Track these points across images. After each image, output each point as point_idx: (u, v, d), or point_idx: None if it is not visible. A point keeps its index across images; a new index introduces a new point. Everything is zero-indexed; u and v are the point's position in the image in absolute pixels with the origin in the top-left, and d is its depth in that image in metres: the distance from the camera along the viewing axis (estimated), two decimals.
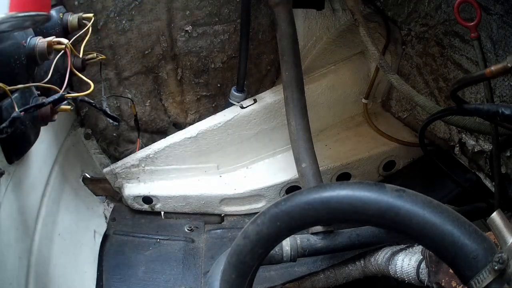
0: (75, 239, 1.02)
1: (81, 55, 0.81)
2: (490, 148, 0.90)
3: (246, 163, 1.26)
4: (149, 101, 1.30)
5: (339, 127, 1.34)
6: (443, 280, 0.64)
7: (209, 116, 1.20)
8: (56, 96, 0.76)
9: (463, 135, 0.98)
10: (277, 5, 0.96)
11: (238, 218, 1.24)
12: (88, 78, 0.84)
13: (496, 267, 0.40)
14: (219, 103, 1.36)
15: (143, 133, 1.34)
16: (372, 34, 1.00)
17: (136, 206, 1.20)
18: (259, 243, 0.56)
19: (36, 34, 0.79)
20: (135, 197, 1.18)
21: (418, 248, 0.80)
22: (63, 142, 1.10)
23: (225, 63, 1.29)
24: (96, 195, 1.21)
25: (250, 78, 1.35)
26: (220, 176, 1.24)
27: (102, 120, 1.26)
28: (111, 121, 0.91)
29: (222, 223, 1.23)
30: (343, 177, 1.24)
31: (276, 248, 0.76)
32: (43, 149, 0.94)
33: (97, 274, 1.03)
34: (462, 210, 0.93)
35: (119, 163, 1.18)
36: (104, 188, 1.21)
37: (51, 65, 0.79)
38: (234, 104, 1.19)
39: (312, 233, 0.81)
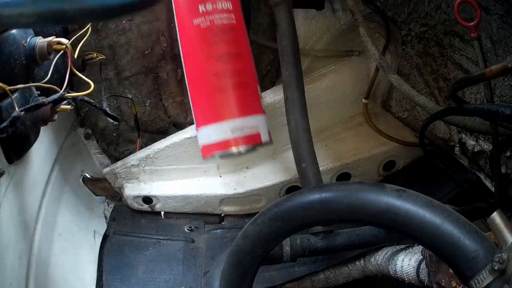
0: (75, 239, 1.02)
1: (76, 55, 0.81)
2: (490, 148, 0.90)
3: (246, 163, 1.26)
4: (149, 101, 1.30)
5: (339, 127, 1.33)
6: (443, 280, 0.64)
7: None
8: (56, 96, 0.77)
9: (463, 135, 0.98)
10: (277, 5, 0.96)
11: (238, 218, 1.24)
12: (88, 78, 0.84)
13: (496, 267, 0.40)
14: None
15: (143, 133, 1.34)
16: (372, 34, 1.00)
17: (136, 206, 1.20)
18: (259, 243, 0.56)
19: (36, 34, 0.79)
20: (135, 197, 1.18)
21: (418, 248, 0.80)
22: (63, 142, 1.10)
23: None
24: (96, 195, 1.21)
25: None
26: (220, 176, 1.24)
27: (102, 120, 1.26)
28: (111, 120, 0.91)
29: (222, 223, 1.23)
30: (343, 177, 1.24)
31: (276, 248, 0.76)
32: (43, 149, 0.94)
33: (97, 274, 1.03)
34: (462, 210, 0.93)
35: (119, 163, 1.18)
36: (104, 188, 1.21)
37: (51, 65, 0.80)
38: None
39: (312, 233, 0.81)
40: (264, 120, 0.68)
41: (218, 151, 0.63)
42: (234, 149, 0.62)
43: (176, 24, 0.74)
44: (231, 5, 0.70)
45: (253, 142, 0.64)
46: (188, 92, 0.72)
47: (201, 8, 0.68)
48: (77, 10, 0.25)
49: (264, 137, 0.65)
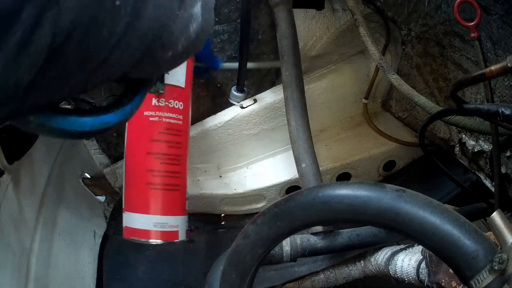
0: (75, 239, 1.02)
1: None
2: (490, 148, 0.90)
3: (246, 163, 1.26)
4: None
5: (339, 127, 1.34)
6: (443, 280, 0.64)
7: (209, 116, 1.20)
8: None
9: (463, 135, 0.98)
10: (277, 5, 0.96)
11: (238, 218, 1.24)
12: None
13: (496, 267, 0.40)
14: (219, 103, 1.36)
15: None
16: (372, 34, 1.00)
17: None
18: (259, 243, 0.56)
19: None
20: None
21: (418, 248, 0.80)
22: (63, 142, 1.10)
23: (225, 63, 1.29)
24: (96, 195, 1.21)
25: (250, 78, 1.35)
26: (220, 176, 1.24)
27: None
28: None
29: (222, 223, 1.23)
30: (343, 177, 1.24)
31: (276, 248, 0.76)
32: (43, 149, 0.94)
33: (97, 274, 1.03)
34: (462, 210, 0.93)
35: (120, 163, 1.18)
36: (104, 188, 1.21)
37: None
38: (234, 104, 1.19)
39: (312, 233, 0.81)
40: (185, 221, 0.74)
41: (138, 238, 0.70)
42: (152, 241, 0.69)
43: None
44: (182, 106, 0.73)
45: (170, 239, 0.71)
46: (123, 174, 0.74)
47: (154, 101, 0.70)
48: (38, 126, 0.26)
49: (182, 236, 0.73)
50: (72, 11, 0.21)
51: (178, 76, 0.70)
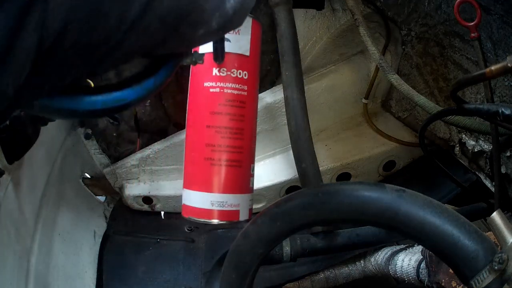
0: (75, 239, 1.02)
1: None
2: (490, 148, 0.90)
3: None
4: (149, 101, 1.30)
5: (339, 127, 1.34)
6: (443, 280, 0.64)
7: None
8: None
9: (463, 135, 0.98)
10: (277, 5, 0.96)
11: None
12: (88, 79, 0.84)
13: (496, 267, 0.40)
14: None
15: (143, 133, 1.34)
16: (372, 34, 1.00)
17: (136, 206, 1.20)
18: (259, 243, 0.56)
19: None
20: (135, 197, 1.18)
21: (418, 248, 0.80)
22: (63, 142, 1.10)
23: None
24: (96, 195, 1.21)
25: None
26: None
27: (102, 120, 1.26)
28: (111, 120, 0.91)
29: None
30: (343, 177, 1.24)
31: (276, 248, 0.76)
32: (43, 149, 0.94)
33: (97, 274, 1.03)
34: (462, 210, 0.93)
35: (119, 163, 1.18)
36: (104, 188, 1.21)
37: None
38: None
39: (312, 233, 0.81)
40: (248, 199, 0.67)
41: (195, 217, 0.64)
42: (210, 220, 0.64)
43: (190, 80, 0.69)
44: (247, 75, 0.66)
45: (230, 219, 0.65)
46: (185, 146, 0.69)
47: (215, 71, 0.64)
48: (43, 108, 0.24)
49: (243, 216, 0.66)
50: (63, 7, 0.19)
51: (241, 43, 0.64)
